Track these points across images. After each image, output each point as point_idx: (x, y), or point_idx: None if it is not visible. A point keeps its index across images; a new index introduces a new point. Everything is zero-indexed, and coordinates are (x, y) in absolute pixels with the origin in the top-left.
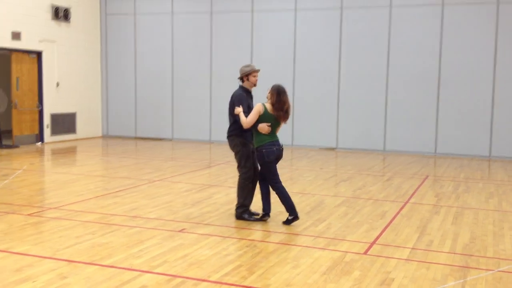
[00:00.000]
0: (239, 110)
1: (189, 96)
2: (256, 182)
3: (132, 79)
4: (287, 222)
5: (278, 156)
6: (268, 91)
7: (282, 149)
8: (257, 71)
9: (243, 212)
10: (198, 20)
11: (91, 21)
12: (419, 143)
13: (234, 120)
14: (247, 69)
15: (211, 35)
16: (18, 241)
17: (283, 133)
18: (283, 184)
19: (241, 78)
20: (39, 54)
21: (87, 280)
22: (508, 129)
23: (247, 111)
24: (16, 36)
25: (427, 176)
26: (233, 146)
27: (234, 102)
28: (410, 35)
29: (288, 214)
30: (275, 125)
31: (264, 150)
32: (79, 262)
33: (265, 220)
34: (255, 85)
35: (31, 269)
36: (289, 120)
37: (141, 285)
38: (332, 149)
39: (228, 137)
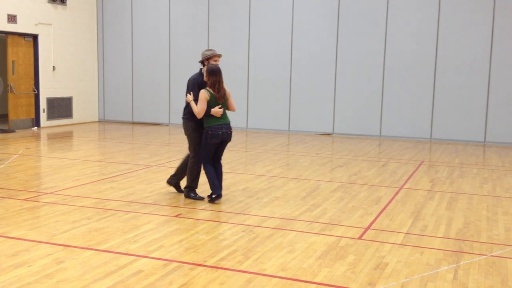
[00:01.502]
0: (189, 98)
1: (186, 81)
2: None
3: (129, 63)
4: (210, 200)
5: (224, 140)
6: (204, 74)
7: (230, 132)
8: (219, 55)
9: (188, 191)
10: (195, 4)
11: (88, 4)
12: (415, 129)
13: (187, 104)
14: (208, 53)
15: (209, 20)
16: (14, 226)
17: (281, 119)
18: (280, 170)
19: (202, 62)
20: (35, 38)
21: (83, 265)
22: (503, 115)
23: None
24: (12, 19)
25: (422, 162)
26: (185, 129)
27: (188, 87)
28: (408, 22)
29: (212, 191)
30: (222, 106)
31: (210, 132)
32: (75, 247)
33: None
34: None
35: (27, 254)
36: (286, 106)
37: (137, 269)
38: (328, 134)
39: (182, 118)
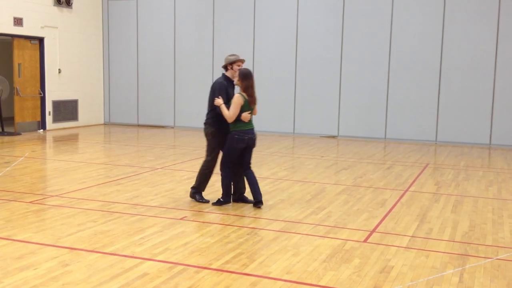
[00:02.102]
0: (219, 102)
1: (191, 83)
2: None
3: (134, 66)
4: (218, 203)
5: (249, 145)
6: (236, 78)
7: (255, 137)
8: (242, 60)
9: (194, 193)
10: (200, 5)
11: (93, 6)
12: (420, 131)
13: (211, 108)
14: (232, 58)
15: (214, 21)
16: (20, 228)
17: (286, 121)
18: (285, 173)
19: (225, 67)
20: (41, 40)
21: (88, 268)
22: (509, 117)
23: (226, 102)
24: (18, 22)
25: (427, 164)
26: (205, 134)
27: (214, 91)
28: (412, 23)
29: (221, 195)
30: (250, 111)
31: (236, 136)
32: (80, 249)
33: (259, 207)
34: None
35: (33, 257)
36: (291, 108)
37: (142, 272)
38: (333, 137)
39: (204, 124)
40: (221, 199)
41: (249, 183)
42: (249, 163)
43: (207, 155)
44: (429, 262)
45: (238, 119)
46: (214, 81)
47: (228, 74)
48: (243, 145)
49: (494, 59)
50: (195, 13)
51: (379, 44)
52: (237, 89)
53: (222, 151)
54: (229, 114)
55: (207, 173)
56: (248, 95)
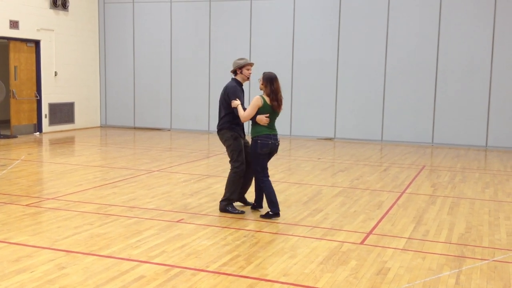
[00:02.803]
0: (236, 103)
1: (188, 86)
2: (249, 177)
3: (131, 69)
4: (266, 216)
5: (272, 150)
6: (260, 81)
7: (278, 144)
8: (251, 64)
9: (227, 205)
10: (196, 8)
11: (90, 9)
12: (416, 133)
13: (226, 113)
14: (241, 62)
15: (210, 24)
16: (16, 231)
17: (283, 123)
18: (282, 175)
19: (234, 71)
20: (37, 43)
21: (85, 271)
22: (505, 120)
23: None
24: (14, 25)
25: (423, 166)
26: (224, 140)
27: (228, 94)
28: (408, 25)
29: (269, 208)
30: (273, 116)
31: (259, 141)
32: (77, 252)
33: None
34: (248, 78)
35: (29, 260)
36: (287, 110)
37: (139, 275)
38: (330, 139)
39: (219, 130)
40: (269, 212)
41: (265, 193)
42: (267, 169)
43: (234, 161)
44: (426, 264)
45: (255, 122)
46: (226, 85)
47: (238, 78)
48: (268, 149)
49: (490, 62)
50: (191, 16)
51: (376, 46)
52: (248, 94)
53: (248, 159)
54: (244, 114)
55: (240, 180)
56: (272, 100)
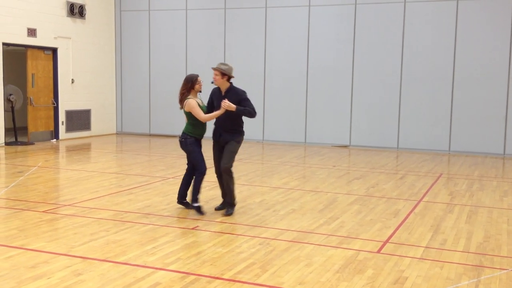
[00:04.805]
0: (233, 106)
1: (203, 93)
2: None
3: (147, 76)
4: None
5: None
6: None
7: (180, 141)
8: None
9: (232, 206)
10: (212, 16)
11: (106, 17)
12: (433, 141)
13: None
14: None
15: (225, 32)
16: (33, 237)
17: (298, 131)
18: (297, 183)
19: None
20: (54, 51)
21: (101, 277)
22: None
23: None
24: (31, 32)
25: (441, 174)
26: (236, 142)
27: (244, 99)
28: (424, 32)
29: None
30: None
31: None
32: (93, 259)
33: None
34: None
35: (46, 266)
36: (302, 117)
37: (154, 282)
38: (345, 146)
39: (236, 133)
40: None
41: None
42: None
43: (231, 163)
44: (444, 273)
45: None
46: (240, 90)
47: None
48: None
49: (508, 69)
50: (206, 23)
51: (391, 53)
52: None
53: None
54: (204, 116)
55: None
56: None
